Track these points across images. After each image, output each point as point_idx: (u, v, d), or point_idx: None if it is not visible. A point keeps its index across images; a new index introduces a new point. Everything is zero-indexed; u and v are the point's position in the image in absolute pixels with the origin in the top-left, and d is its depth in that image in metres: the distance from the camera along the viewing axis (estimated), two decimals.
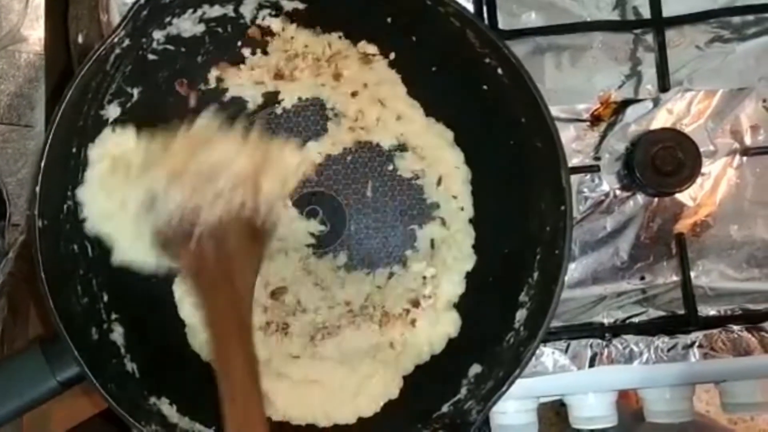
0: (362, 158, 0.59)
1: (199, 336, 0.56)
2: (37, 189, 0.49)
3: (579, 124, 0.61)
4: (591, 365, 0.58)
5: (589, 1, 0.62)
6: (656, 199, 0.61)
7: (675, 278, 0.60)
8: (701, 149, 0.59)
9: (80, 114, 0.52)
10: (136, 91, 0.54)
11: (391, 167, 0.59)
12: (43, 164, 0.49)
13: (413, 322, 0.57)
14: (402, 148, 0.59)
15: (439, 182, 0.58)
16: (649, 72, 0.61)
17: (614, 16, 0.62)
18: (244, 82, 0.59)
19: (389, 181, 0.59)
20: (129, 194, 0.50)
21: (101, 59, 0.50)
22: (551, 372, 0.58)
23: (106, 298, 0.54)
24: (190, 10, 0.53)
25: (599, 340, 0.58)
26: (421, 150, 0.58)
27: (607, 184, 0.61)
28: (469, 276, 0.57)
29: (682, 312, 0.60)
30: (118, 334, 0.53)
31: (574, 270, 0.60)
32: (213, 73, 0.58)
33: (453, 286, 0.57)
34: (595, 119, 0.61)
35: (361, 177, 0.59)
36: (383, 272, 0.58)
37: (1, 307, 0.58)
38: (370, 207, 0.59)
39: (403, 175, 0.59)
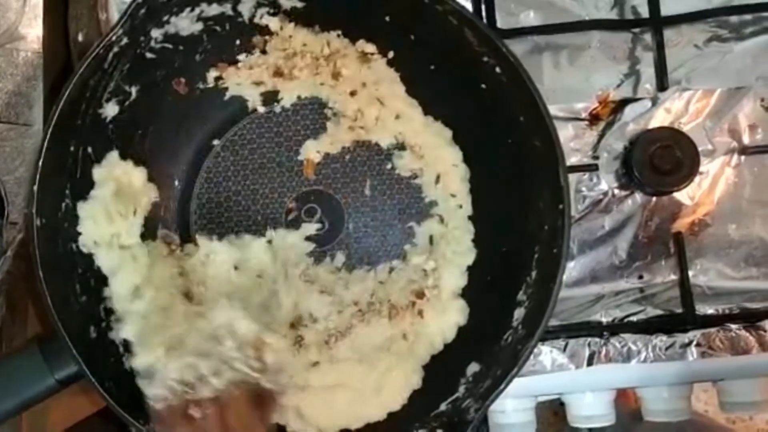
0: (361, 157, 0.59)
1: None
2: (35, 187, 0.49)
3: (577, 123, 0.61)
4: (589, 364, 0.58)
5: (587, 1, 0.62)
6: (654, 198, 0.61)
7: (673, 277, 0.60)
8: (699, 148, 0.59)
9: (78, 112, 0.52)
10: (134, 90, 0.55)
11: (389, 166, 0.59)
12: (40, 163, 0.49)
13: (421, 312, 0.57)
14: (400, 146, 0.59)
15: (437, 180, 0.58)
16: (647, 71, 0.61)
17: (612, 15, 0.62)
18: (243, 81, 0.59)
19: (388, 179, 0.59)
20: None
21: (99, 58, 0.50)
22: (549, 371, 0.58)
23: (104, 296, 0.54)
24: (188, 9, 0.53)
25: (597, 339, 0.58)
26: (419, 149, 0.59)
27: (606, 183, 0.61)
28: (470, 270, 0.57)
29: (680, 311, 0.60)
30: (116, 332, 0.53)
31: (572, 269, 0.60)
32: (212, 73, 0.58)
33: (455, 279, 0.57)
34: (593, 118, 0.61)
35: (359, 176, 0.59)
36: (384, 267, 0.59)
37: None
38: (369, 206, 0.59)
39: (402, 174, 0.59)
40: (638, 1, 0.62)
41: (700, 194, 0.61)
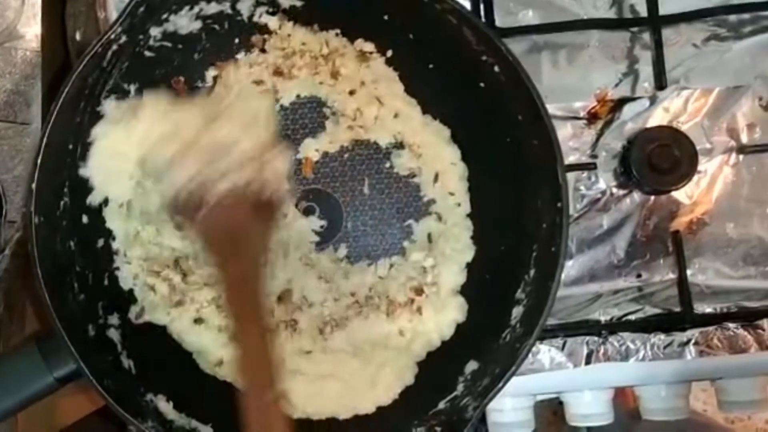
0: (359, 156, 0.59)
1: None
2: (34, 186, 0.49)
3: (576, 122, 0.61)
4: (587, 363, 0.58)
5: (586, 0, 0.62)
6: (653, 197, 0.61)
7: (671, 276, 0.60)
8: (698, 147, 0.59)
9: (77, 111, 0.51)
10: (133, 88, 0.54)
11: (388, 165, 0.59)
12: (39, 161, 0.49)
13: (419, 309, 0.57)
14: (399, 146, 0.59)
15: (435, 179, 0.58)
16: (645, 70, 0.61)
17: (611, 14, 0.62)
18: (243, 80, 0.59)
19: (386, 178, 0.59)
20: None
21: (98, 56, 0.50)
22: (548, 369, 0.58)
23: (102, 294, 0.54)
24: (187, 7, 0.53)
25: (596, 338, 0.58)
26: (417, 148, 0.59)
27: (604, 181, 0.61)
28: (469, 266, 0.57)
29: (678, 309, 0.60)
30: (114, 330, 0.53)
31: (570, 267, 0.60)
32: (210, 72, 0.58)
33: (454, 276, 0.57)
34: (591, 117, 0.61)
35: (358, 175, 0.59)
36: (384, 263, 0.58)
37: None
38: (367, 204, 0.59)
39: (400, 173, 0.59)
40: (636, 0, 0.62)
41: (699, 193, 0.61)
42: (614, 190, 0.61)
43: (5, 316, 0.59)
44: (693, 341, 0.58)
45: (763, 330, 0.58)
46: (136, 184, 0.55)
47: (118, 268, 0.56)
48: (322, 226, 0.59)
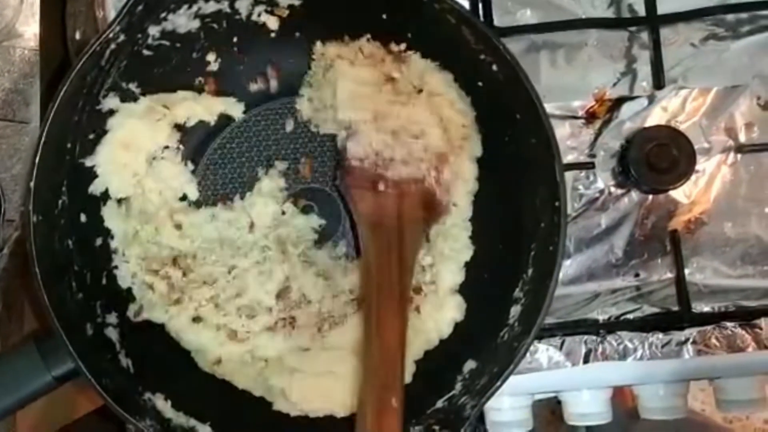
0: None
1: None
2: (32, 184, 0.49)
3: (574, 121, 0.61)
4: (585, 362, 0.58)
5: None
6: (651, 197, 0.61)
7: (669, 275, 0.60)
8: (696, 146, 0.59)
9: (75, 109, 0.51)
10: (131, 87, 0.54)
11: None
12: (37, 160, 0.49)
13: (417, 308, 0.57)
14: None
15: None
16: (644, 69, 0.61)
17: (609, 13, 0.62)
18: None
19: None
20: None
21: (97, 54, 0.50)
22: (546, 368, 0.58)
23: (100, 293, 0.54)
24: (185, 6, 0.53)
25: (594, 337, 0.58)
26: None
27: (602, 181, 0.61)
28: (468, 265, 0.57)
29: (676, 309, 0.60)
30: (112, 329, 0.53)
31: (568, 267, 0.60)
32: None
33: (452, 275, 0.57)
34: (590, 116, 0.61)
35: None
36: None
37: None
38: None
39: None
40: (635, 0, 0.62)
41: (697, 192, 0.61)
42: (612, 189, 0.61)
43: (4, 315, 0.59)
44: (691, 340, 0.58)
45: (761, 329, 0.58)
46: (137, 183, 0.55)
47: (116, 267, 0.55)
48: (320, 225, 0.59)
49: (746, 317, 0.59)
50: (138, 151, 0.54)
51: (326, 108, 0.55)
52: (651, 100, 0.61)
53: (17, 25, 0.61)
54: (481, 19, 0.61)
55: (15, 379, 0.50)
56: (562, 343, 0.58)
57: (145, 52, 0.54)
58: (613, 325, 0.59)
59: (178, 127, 0.57)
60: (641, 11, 0.62)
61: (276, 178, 0.58)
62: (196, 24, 0.55)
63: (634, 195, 0.61)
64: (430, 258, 0.58)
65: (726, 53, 0.61)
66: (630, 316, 0.60)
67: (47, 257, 0.50)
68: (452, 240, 0.58)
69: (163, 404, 0.52)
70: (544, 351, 0.58)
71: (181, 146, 0.58)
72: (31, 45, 0.62)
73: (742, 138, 0.61)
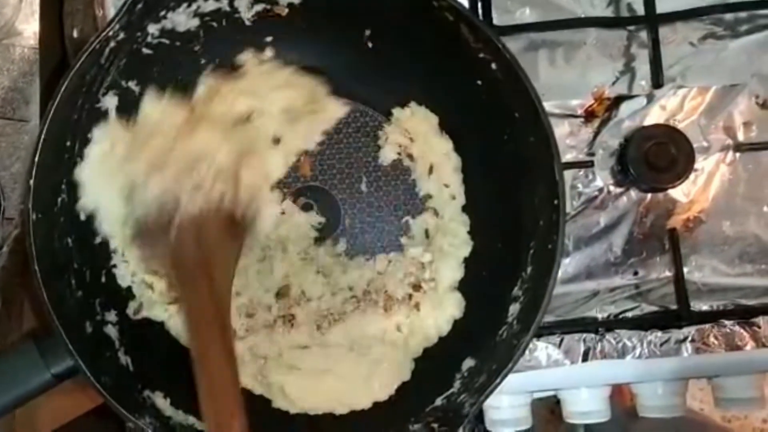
0: (357, 152, 0.60)
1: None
2: (32, 182, 0.49)
3: (573, 119, 0.61)
4: (584, 360, 0.58)
5: None
6: (649, 195, 0.61)
7: (668, 273, 0.60)
8: (694, 145, 0.59)
9: (75, 108, 0.51)
10: (131, 85, 0.54)
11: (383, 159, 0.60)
12: (37, 158, 0.49)
13: (417, 305, 0.57)
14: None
15: (430, 171, 0.59)
16: (642, 68, 0.62)
17: (608, 12, 0.63)
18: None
19: (383, 176, 0.59)
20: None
21: (96, 53, 0.50)
22: (545, 366, 0.58)
23: (100, 291, 0.54)
24: (185, 4, 0.53)
25: (592, 335, 0.58)
26: (407, 133, 0.59)
27: (601, 179, 0.61)
28: (467, 263, 0.57)
29: (674, 307, 0.60)
30: (111, 327, 0.53)
31: (567, 265, 0.60)
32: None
33: (452, 271, 0.57)
34: (588, 115, 0.62)
35: (355, 172, 0.59)
36: (383, 258, 0.59)
37: None
38: (365, 201, 0.59)
39: (395, 163, 0.59)
40: None
41: (695, 191, 0.61)
42: (611, 188, 0.61)
43: (3, 313, 0.59)
44: (689, 339, 0.58)
45: (760, 327, 0.58)
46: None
47: (115, 266, 0.55)
48: (320, 223, 0.59)
49: (745, 315, 0.59)
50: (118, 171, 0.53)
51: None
52: (650, 98, 0.61)
53: (17, 23, 0.61)
54: (480, 17, 0.61)
55: (14, 377, 0.50)
56: (561, 341, 0.58)
57: (145, 50, 0.54)
58: (611, 324, 0.59)
59: None
60: (640, 10, 0.62)
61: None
62: (195, 22, 0.55)
63: (633, 193, 0.61)
64: (429, 255, 0.58)
65: (724, 52, 0.61)
66: (629, 315, 0.60)
67: (47, 255, 0.50)
68: (451, 235, 0.58)
69: (162, 402, 0.52)
70: (543, 349, 0.58)
71: None
72: (31, 43, 0.61)
73: (741, 137, 0.61)
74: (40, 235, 0.49)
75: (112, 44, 0.51)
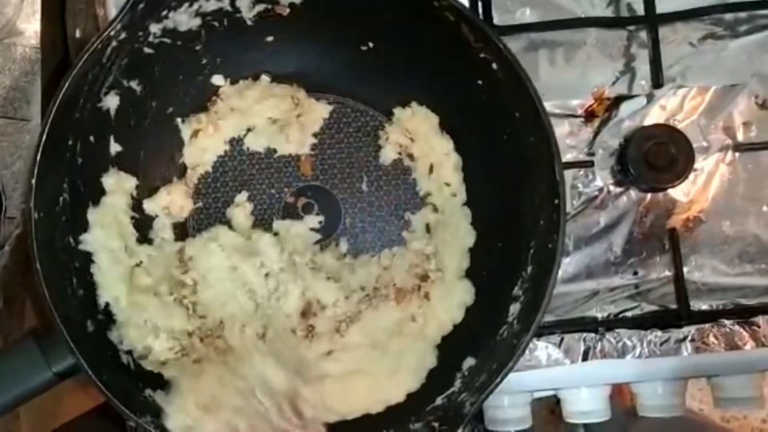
0: (357, 151, 0.60)
1: None
2: (33, 181, 0.49)
3: (573, 119, 0.62)
4: (584, 359, 0.58)
5: None
6: (649, 195, 0.61)
7: (668, 273, 0.60)
8: (694, 145, 0.59)
9: (76, 107, 0.52)
10: (132, 84, 0.55)
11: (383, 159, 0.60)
12: (39, 157, 0.49)
13: (427, 295, 0.57)
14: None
15: (430, 170, 0.59)
16: (642, 68, 0.62)
17: (608, 12, 0.63)
18: None
19: (384, 175, 0.60)
20: None
21: (98, 52, 0.50)
22: (545, 366, 0.58)
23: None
24: (187, 4, 0.54)
25: (592, 335, 0.58)
26: (408, 133, 0.59)
27: (601, 179, 0.61)
28: (471, 253, 0.58)
29: (674, 307, 0.60)
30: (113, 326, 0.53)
31: (567, 265, 0.60)
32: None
33: (457, 261, 0.57)
34: (589, 115, 0.62)
35: (356, 171, 0.60)
36: (387, 253, 0.59)
37: None
38: (366, 201, 0.59)
39: (396, 163, 0.60)
40: None
41: (695, 191, 0.61)
42: (611, 187, 0.61)
43: (4, 312, 0.59)
44: (689, 338, 0.58)
45: (759, 327, 0.58)
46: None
47: None
48: (320, 222, 0.59)
49: (744, 315, 0.59)
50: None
51: None
52: (650, 98, 0.61)
53: (18, 22, 0.61)
54: (481, 17, 0.61)
55: (16, 375, 0.50)
56: (561, 341, 0.58)
57: (146, 50, 0.54)
58: (611, 323, 0.59)
59: None
60: (640, 10, 0.62)
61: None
62: (197, 22, 0.55)
63: (633, 193, 0.61)
64: (431, 247, 0.58)
65: (724, 52, 0.62)
66: (629, 314, 0.60)
67: (48, 254, 0.50)
68: (453, 227, 0.58)
69: (163, 400, 0.52)
70: (543, 348, 0.58)
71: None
72: (32, 43, 0.62)
73: (740, 137, 0.61)
74: (42, 234, 0.49)
75: (114, 44, 0.51)
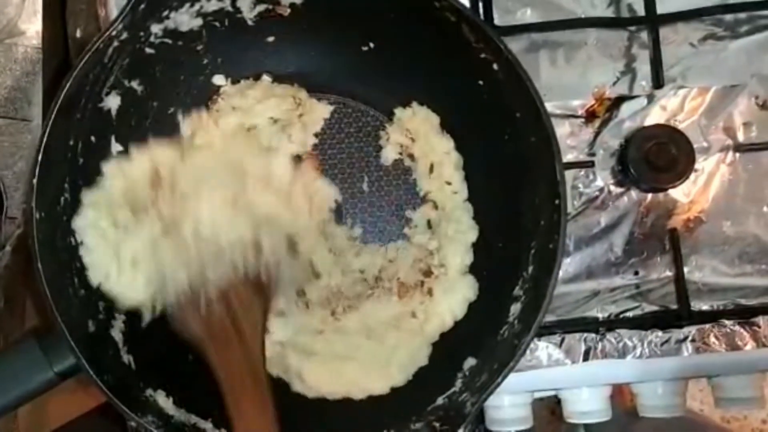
0: (358, 151, 0.60)
1: None
2: (35, 181, 0.49)
3: (574, 120, 0.62)
4: (585, 359, 0.58)
5: None
6: (650, 195, 0.61)
7: (668, 273, 0.61)
8: (694, 145, 0.59)
9: (78, 107, 0.52)
10: (133, 84, 0.55)
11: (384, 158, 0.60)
12: (40, 157, 0.49)
13: (430, 290, 0.58)
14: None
15: (431, 170, 0.59)
16: (643, 69, 0.62)
17: (609, 13, 0.63)
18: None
19: (384, 175, 0.60)
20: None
21: (99, 52, 0.50)
22: (545, 366, 0.58)
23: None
24: (188, 4, 0.54)
25: (593, 335, 0.58)
26: (409, 133, 0.59)
27: (602, 179, 0.61)
28: (474, 247, 0.58)
29: (675, 307, 0.60)
30: (114, 326, 0.53)
31: (568, 265, 0.60)
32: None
33: (460, 256, 0.57)
34: (589, 115, 0.62)
35: (357, 171, 0.60)
36: (392, 246, 0.59)
37: None
38: (366, 201, 0.60)
39: (396, 163, 0.60)
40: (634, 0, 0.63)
41: (695, 191, 0.61)
42: (612, 188, 0.61)
43: (5, 312, 0.59)
44: (690, 338, 0.58)
45: (759, 327, 0.58)
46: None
47: None
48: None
49: (745, 315, 0.59)
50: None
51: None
52: (650, 99, 0.61)
53: (19, 22, 0.61)
54: (482, 18, 0.61)
55: (16, 375, 0.50)
56: (562, 341, 0.58)
57: (148, 50, 0.54)
58: (612, 323, 0.60)
59: None
60: (640, 11, 0.62)
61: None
62: (198, 22, 0.55)
63: (634, 194, 0.61)
64: (435, 242, 0.58)
65: (724, 53, 0.62)
66: (629, 314, 0.60)
67: (49, 254, 0.50)
68: (455, 222, 0.58)
69: (164, 401, 0.52)
70: (543, 349, 0.58)
71: None
72: (34, 43, 0.62)
73: (741, 137, 0.61)
74: (43, 234, 0.49)
75: (115, 44, 0.51)
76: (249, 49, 0.59)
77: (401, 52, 0.57)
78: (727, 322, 0.58)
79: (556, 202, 0.51)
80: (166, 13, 0.53)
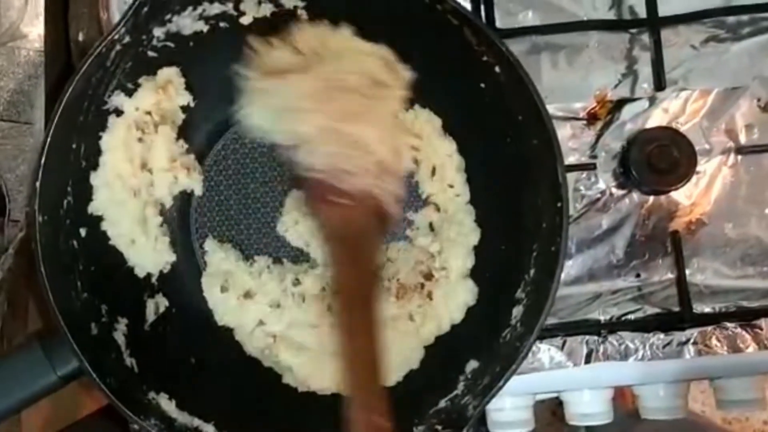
0: None
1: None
2: (38, 184, 0.49)
3: (575, 122, 0.62)
4: (587, 362, 0.58)
5: (585, 1, 0.63)
6: (652, 198, 0.61)
7: (670, 276, 0.61)
8: (696, 148, 0.59)
9: (80, 110, 0.52)
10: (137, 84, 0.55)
11: None
12: (43, 160, 0.49)
13: (429, 294, 0.57)
14: None
15: (433, 173, 0.59)
16: (644, 71, 0.62)
17: (610, 15, 0.63)
18: None
19: None
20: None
21: (102, 55, 0.51)
22: (547, 368, 0.58)
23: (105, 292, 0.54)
24: (190, 8, 0.54)
25: (595, 337, 0.58)
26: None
27: (603, 182, 0.61)
28: (476, 251, 0.58)
29: (677, 309, 0.60)
30: (117, 329, 0.54)
31: (570, 267, 0.60)
32: None
33: (462, 259, 0.57)
34: (591, 118, 0.62)
35: None
36: (393, 246, 0.59)
37: (0, 303, 0.58)
38: None
39: None
40: (636, 2, 0.63)
41: (697, 193, 0.61)
42: (613, 190, 0.61)
43: (8, 315, 0.59)
44: (692, 341, 0.58)
45: (761, 329, 0.58)
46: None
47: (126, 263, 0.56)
48: None
49: (747, 317, 0.59)
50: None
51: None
52: (652, 101, 0.61)
53: (22, 26, 0.62)
54: (483, 20, 0.61)
55: (19, 378, 0.50)
56: (564, 344, 0.58)
57: (150, 53, 0.54)
58: (614, 326, 0.60)
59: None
60: (642, 13, 0.62)
61: None
62: (200, 26, 0.55)
63: (635, 196, 0.61)
64: (437, 245, 0.58)
65: (726, 55, 0.62)
66: (631, 317, 0.60)
67: (52, 257, 0.50)
68: (457, 225, 0.58)
69: (167, 404, 0.52)
70: (545, 351, 0.58)
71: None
72: (36, 46, 0.62)
73: (743, 139, 0.61)
74: (46, 237, 0.50)
75: (118, 47, 0.51)
76: None
77: (403, 55, 0.57)
78: (729, 324, 0.58)
79: (558, 204, 0.51)
80: (168, 16, 0.53)
